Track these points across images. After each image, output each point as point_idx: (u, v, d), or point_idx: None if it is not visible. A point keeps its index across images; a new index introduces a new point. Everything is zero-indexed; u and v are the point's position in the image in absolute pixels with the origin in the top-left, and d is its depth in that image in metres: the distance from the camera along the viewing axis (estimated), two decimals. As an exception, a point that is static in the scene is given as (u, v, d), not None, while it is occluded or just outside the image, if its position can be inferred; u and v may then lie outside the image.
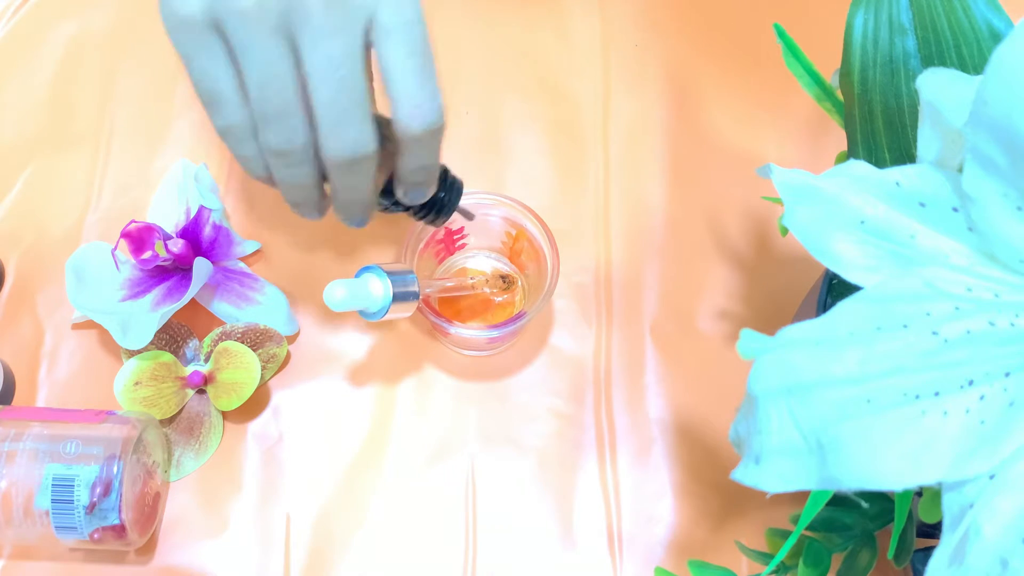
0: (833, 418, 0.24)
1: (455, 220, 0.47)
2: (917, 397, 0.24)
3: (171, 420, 0.46)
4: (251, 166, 0.34)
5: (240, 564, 0.44)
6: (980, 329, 0.24)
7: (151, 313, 0.45)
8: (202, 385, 0.46)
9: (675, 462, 0.46)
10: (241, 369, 0.45)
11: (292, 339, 0.49)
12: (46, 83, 0.56)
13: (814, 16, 0.57)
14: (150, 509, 0.43)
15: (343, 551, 0.44)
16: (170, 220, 0.49)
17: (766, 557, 0.36)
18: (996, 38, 0.33)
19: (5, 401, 0.46)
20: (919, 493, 0.31)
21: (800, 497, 0.30)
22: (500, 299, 0.48)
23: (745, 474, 0.25)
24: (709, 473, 0.46)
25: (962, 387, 0.24)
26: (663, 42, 0.57)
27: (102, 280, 0.47)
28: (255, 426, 0.47)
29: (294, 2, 0.29)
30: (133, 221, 0.47)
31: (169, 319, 0.46)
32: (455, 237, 0.48)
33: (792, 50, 0.38)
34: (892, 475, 0.24)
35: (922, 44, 0.34)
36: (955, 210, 0.25)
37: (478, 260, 0.50)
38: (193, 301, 0.47)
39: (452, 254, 0.49)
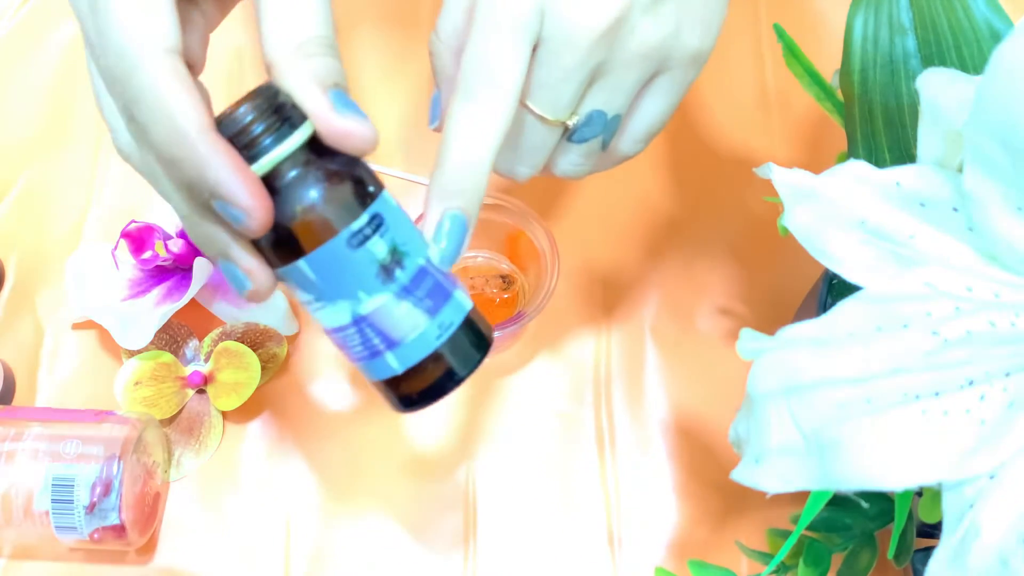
0: (833, 418, 0.24)
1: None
2: (917, 397, 0.24)
3: (171, 420, 0.46)
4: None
5: (240, 564, 0.44)
6: (980, 329, 0.24)
7: (151, 313, 0.45)
8: (202, 385, 0.46)
9: (675, 462, 0.46)
10: (241, 369, 0.45)
11: (292, 339, 0.49)
12: (46, 83, 0.56)
13: (814, 16, 0.57)
14: (150, 509, 0.43)
15: (343, 551, 0.44)
16: (170, 220, 0.49)
17: (766, 557, 0.36)
18: (996, 38, 0.33)
19: (5, 401, 0.46)
20: (919, 493, 0.31)
21: (800, 497, 0.30)
22: (500, 299, 0.48)
23: (745, 474, 0.25)
24: (709, 473, 0.46)
25: (962, 387, 0.24)
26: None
27: (102, 280, 0.47)
28: (255, 426, 0.47)
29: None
30: (133, 221, 0.47)
31: (169, 319, 0.46)
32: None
33: (792, 50, 0.38)
34: (892, 475, 0.24)
35: (922, 44, 0.34)
36: (955, 210, 0.25)
37: (478, 260, 0.50)
38: (193, 301, 0.47)
39: (452, 254, 0.49)
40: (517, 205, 0.45)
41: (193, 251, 0.47)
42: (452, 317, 0.29)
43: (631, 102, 0.33)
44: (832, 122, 0.39)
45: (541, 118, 0.32)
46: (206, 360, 0.47)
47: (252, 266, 0.28)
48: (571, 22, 0.29)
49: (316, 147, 0.27)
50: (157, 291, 0.47)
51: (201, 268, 0.45)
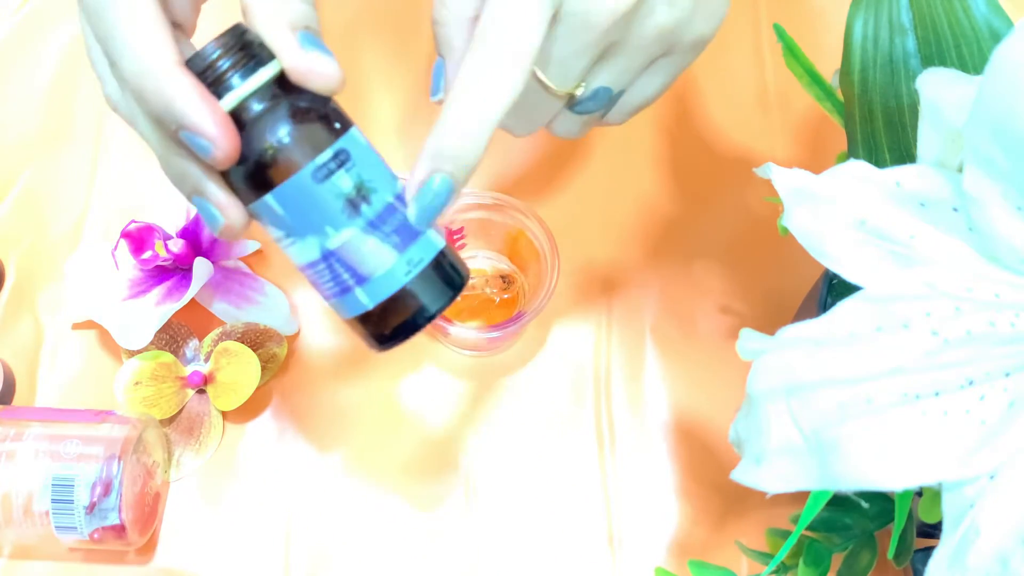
0: (833, 418, 0.24)
1: (454, 220, 0.47)
2: (917, 397, 0.24)
3: (171, 420, 0.46)
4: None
5: (240, 564, 0.44)
6: (980, 329, 0.24)
7: (151, 313, 0.45)
8: (202, 385, 0.46)
9: (675, 462, 0.46)
10: (241, 369, 0.45)
11: (292, 339, 0.49)
12: (46, 83, 0.55)
13: (814, 16, 0.57)
14: (150, 509, 0.43)
15: (343, 551, 0.44)
16: (170, 220, 0.49)
17: (766, 557, 0.36)
18: (996, 38, 0.33)
19: (5, 401, 0.46)
20: (919, 493, 0.31)
21: (800, 497, 0.30)
22: (500, 299, 0.48)
23: (745, 474, 0.25)
24: (709, 473, 0.46)
25: (962, 387, 0.24)
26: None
27: (102, 280, 0.47)
28: (255, 426, 0.47)
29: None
30: (133, 221, 0.47)
31: (169, 319, 0.46)
32: (455, 237, 0.48)
33: (792, 50, 0.38)
34: (892, 475, 0.24)
35: (922, 44, 0.34)
36: (955, 210, 0.25)
37: (478, 260, 0.50)
38: (193, 301, 0.47)
39: (452, 254, 0.49)
40: (517, 205, 0.45)
41: (193, 251, 0.47)
42: (422, 254, 0.30)
43: (635, 80, 0.33)
44: (832, 122, 0.39)
45: (548, 88, 0.32)
46: (206, 360, 0.47)
47: (224, 201, 0.28)
48: (593, 1, 0.29)
49: (284, 85, 0.28)
50: (157, 291, 0.47)
51: (201, 268, 0.45)
